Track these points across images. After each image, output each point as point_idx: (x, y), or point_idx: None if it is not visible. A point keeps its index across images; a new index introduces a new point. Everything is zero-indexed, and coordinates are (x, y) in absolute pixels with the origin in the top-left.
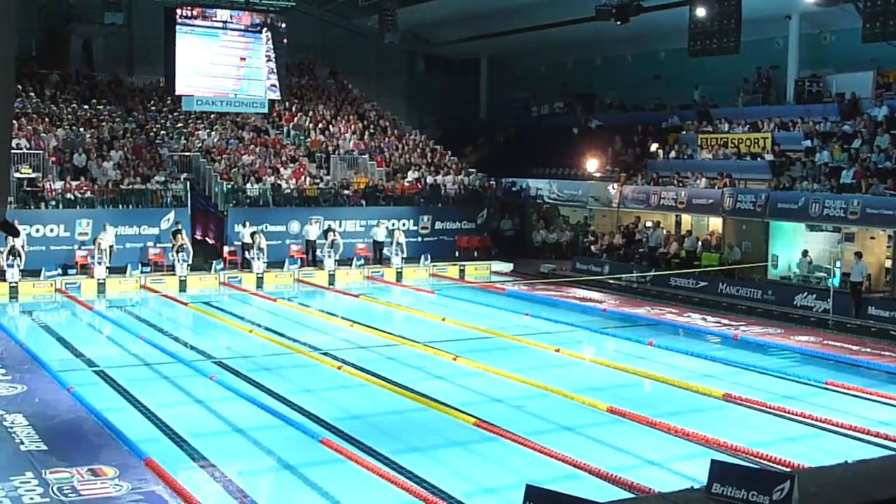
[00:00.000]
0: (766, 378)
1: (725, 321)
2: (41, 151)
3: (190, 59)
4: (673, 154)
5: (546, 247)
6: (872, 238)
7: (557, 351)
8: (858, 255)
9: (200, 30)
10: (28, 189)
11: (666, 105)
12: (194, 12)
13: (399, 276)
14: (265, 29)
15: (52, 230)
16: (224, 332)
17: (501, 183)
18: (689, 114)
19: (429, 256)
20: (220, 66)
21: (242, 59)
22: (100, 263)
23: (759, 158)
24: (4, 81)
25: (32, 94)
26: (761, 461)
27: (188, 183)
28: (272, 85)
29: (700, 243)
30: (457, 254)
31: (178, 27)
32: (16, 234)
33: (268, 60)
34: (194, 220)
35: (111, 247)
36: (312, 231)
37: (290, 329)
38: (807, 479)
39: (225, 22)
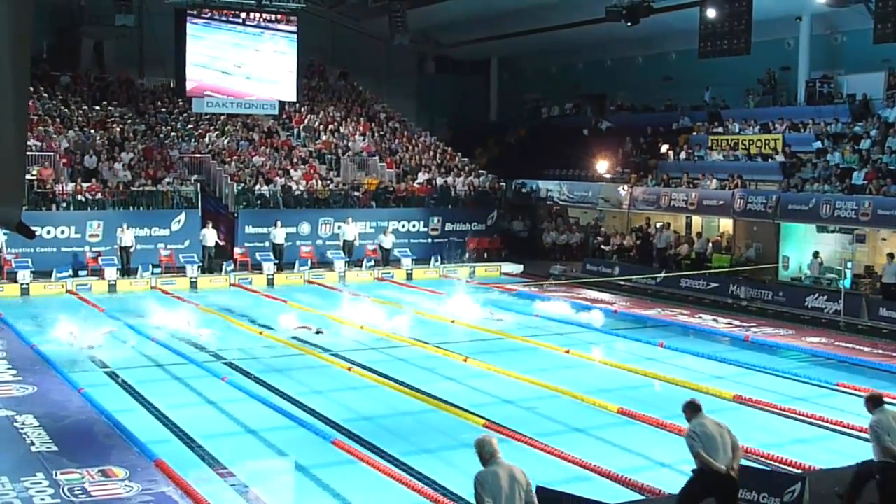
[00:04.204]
0: (777, 379)
1: (737, 322)
2: (52, 153)
3: (200, 60)
4: (683, 155)
5: (556, 248)
6: (884, 239)
7: (567, 352)
8: (891, 255)
9: (211, 31)
10: (39, 191)
11: (676, 106)
12: (205, 14)
13: (409, 276)
14: (276, 31)
15: (63, 231)
16: (235, 334)
17: (512, 184)
18: (700, 115)
19: (439, 258)
20: (230, 67)
21: (253, 60)
22: (119, 268)
23: (769, 160)
24: (20, 83)
25: (45, 95)
26: (772, 463)
27: (198, 185)
28: (286, 86)
29: (710, 245)
30: (467, 255)
31: (188, 29)
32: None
33: (279, 62)
34: (205, 221)
35: (130, 248)
36: (350, 231)
37: (301, 330)
38: (818, 480)
39: (235, 24)
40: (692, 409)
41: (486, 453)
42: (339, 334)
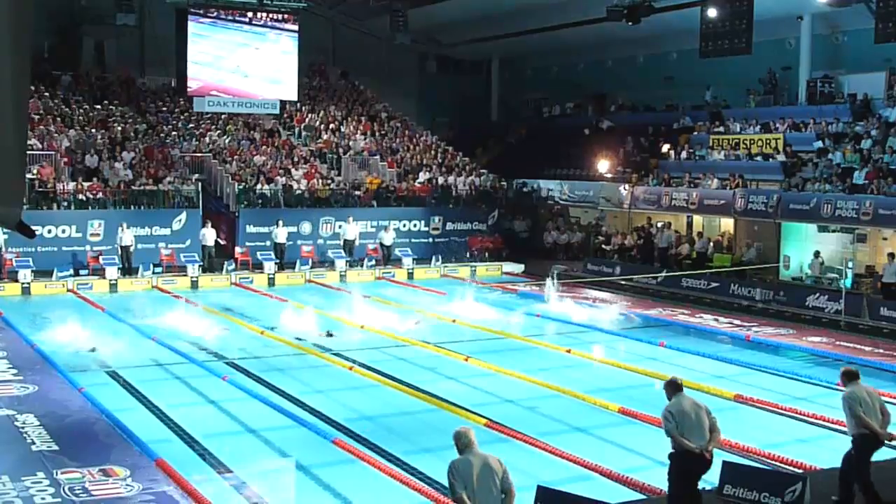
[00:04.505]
0: (778, 379)
1: (737, 322)
2: (53, 152)
3: (201, 60)
4: (684, 155)
5: (557, 248)
6: (885, 239)
7: (568, 352)
8: (892, 255)
9: (212, 31)
10: (40, 190)
11: (677, 106)
12: (206, 13)
13: (410, 276)
14: (278, 30)
15: (63, 231)
16: (236, 333)
17: (513, 184)
18: (701, 115)
19: (440, 257)
20: (231, 67)
21: (254, 60)
22: (120, 268)
23: (770, 159)
24: (20, 83)
25: (47, 94)
26: (773, 462)
27: (199, 184)
28: (287, 85)
29: (711, 244)
30: (468, 255)
31: (191, 28)
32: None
33: (281, 61)
34: (204, 221)
35: (129, 247)
36: (351, 230)
37: (302, 330)
38: (819, 480)
39: (237, 23)
40: (673, 388)
41: (461, 444)
42: (340, 334)
